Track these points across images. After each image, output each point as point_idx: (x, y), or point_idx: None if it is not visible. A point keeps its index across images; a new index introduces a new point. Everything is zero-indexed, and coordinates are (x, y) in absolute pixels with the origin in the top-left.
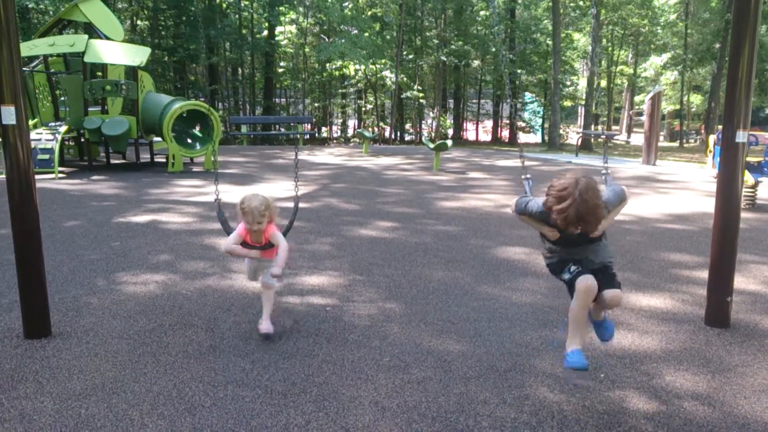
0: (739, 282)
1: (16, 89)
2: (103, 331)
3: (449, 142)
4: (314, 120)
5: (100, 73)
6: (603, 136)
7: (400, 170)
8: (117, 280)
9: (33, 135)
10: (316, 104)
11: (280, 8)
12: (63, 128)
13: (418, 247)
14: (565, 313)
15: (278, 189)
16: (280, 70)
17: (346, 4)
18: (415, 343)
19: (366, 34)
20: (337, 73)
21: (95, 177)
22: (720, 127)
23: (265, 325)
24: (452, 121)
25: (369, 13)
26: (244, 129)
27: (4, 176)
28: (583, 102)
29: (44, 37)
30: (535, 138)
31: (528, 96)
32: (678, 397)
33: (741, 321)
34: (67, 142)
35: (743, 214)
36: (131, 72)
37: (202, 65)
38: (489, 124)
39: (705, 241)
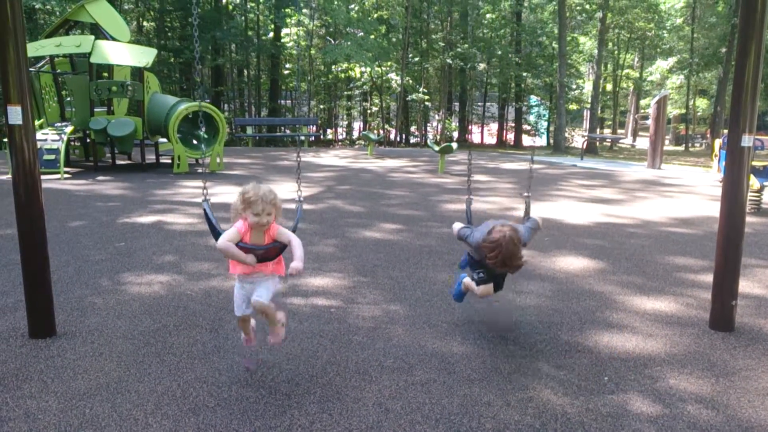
0: (744, 286)
1: (23, 89)
2: (107, 331)
3: (454, 145)
4: (319, 122)
5: (106, 74)
6: (608, 140)
7: (405, 173)
8: (122, 280)
9: (39, 135)
10: (322, 106)
11: (286, 10)
12: (69, 129)
13: (422, 250)
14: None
15: (283, 191)
16: (286, 72)
17: (353, 6)
18: (419, 344)
19: (372, 37)
20: (342, 75)
21: (101, 177)
22: (726, 131)
23: (273, 338)
24: (457, 124)
25: (375, 15)
26: (249, 131)
27: (10, 176)
28: (588, 105)
29: (51, 37)
30: (541, 141)
31: (533, 99)
32: (682, 400)
33: (745, 325)
34: (72, 143)
35: (748, 219)
36: (137, 73)
37: (208, 67)
38: (494, 127)
39: (710, 244)
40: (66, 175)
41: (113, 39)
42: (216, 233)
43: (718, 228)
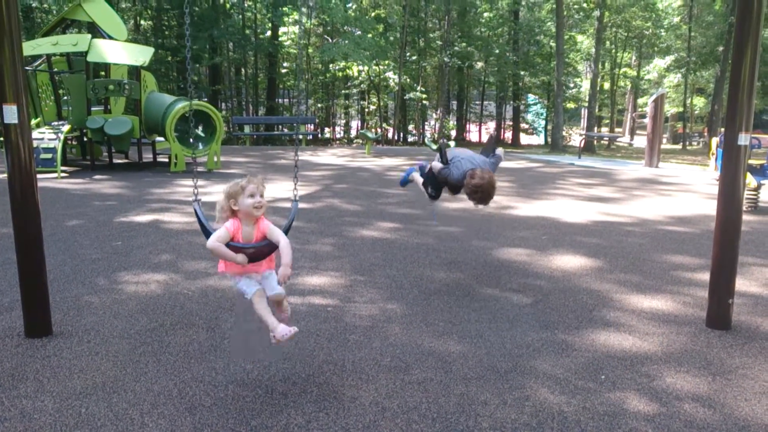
0: (741, 284)
1: (18, 88)
2: (104, 331)
3: (452, 144)
4: (317, 121)
5: (103, 73)
6: (606, 139)
7: (403, 171)
8: (118, 279)
9: (36, 134)
10: (320, 105)
11: (284, 8)
12: (66, 128)
13: (419, 248)
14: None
15: (280, 189)
16: (284, 71)
17: (350, 5)
18: (416, 343)
19: (369, 35)
20: (340, 74)
21: (98, 176)
22: (723, 129)
23: (281, 330)
24: (455, 123)
25: (372, 14)
26: (246, 129)
27: (5, 175)
28: (586, 104)
29: (47, 36)
30: (538, 140)
31: (531, 98)
32: (678, 399)
33: (742, 323)
34: (69, 142)
35: (745, 217)
36: (134, 72)
37: (205, 65)
38: (492, 125)
39: (707, 243)
40: (63, 174)
41: (110, 37)
42: (207, 233)
43: (714, 226)
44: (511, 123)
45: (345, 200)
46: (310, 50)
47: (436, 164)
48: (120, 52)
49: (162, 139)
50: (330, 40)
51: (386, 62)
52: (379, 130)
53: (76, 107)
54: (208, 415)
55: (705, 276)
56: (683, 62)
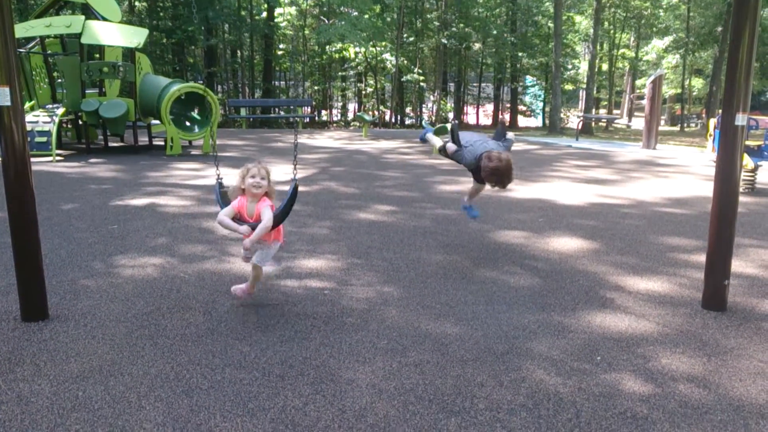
0: (737, 266)
1: (11, 70)
2: (100, 314)
3: (449, 126)
4: (314, 103)
5: (97, 55)
6: (604, 120)
7: (400, 154)
8: (115, 263)
9: (30, 117)
10: (316, 87)
11: None
12: (60, 111)
13: (416, 231)
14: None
15: (277, 172)
16: (280, 53)
17: None
18: (413, 326)
19: (366, 16)
20: (336, 55)
21: (93, 160)
22: (721, 111)
23: (241, 289)
24: (453, 105)
25: None
26: (243, 112)
27: None
28: (584, 86)
29: (40, 17)
30: (536, 122)
31: (529, 79)
32: (674, 379)
33: (738, 304)
34: (64, 125)
35: (743, 198)
36: (129, 54)
37: (201, 47)
38: (489, 107)
39: (703, 225)
40: (58, 158)
41: (104, 19)
42: (219, 203)
43: (711, 208)
44: (509, 105)
45: (342, 183)
46: (306, 32)
47: (451, 146)
48: (114, 34)
49: (157, 122)
50: (326, 21)
51: (383, 44)
52: (376, 112)
53: (70, 90)
54: (205, 398)
55: (701, 257)
56: (682, 43)
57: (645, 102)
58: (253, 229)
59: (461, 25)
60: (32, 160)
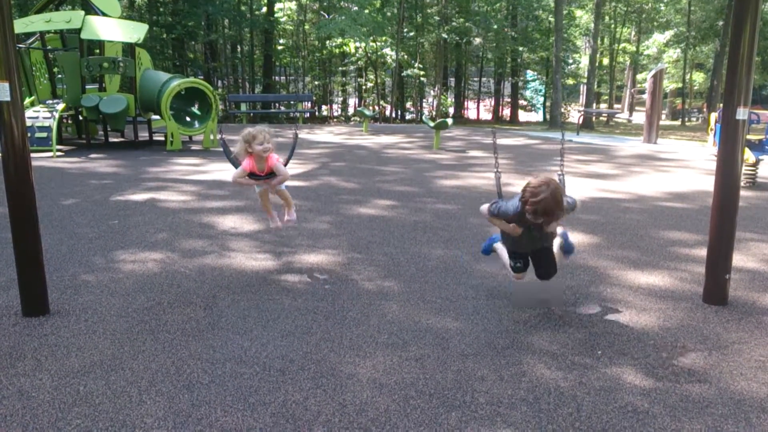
0: (738, 260)
1: (10, 65)
2: (101, 309)
3: (450, 121)
4: (314, 98)
5: (97, 51)
6: (604, 115)
7: (400, 149)
8: (115, 258)
9: (30, 113)
10: (317, 82)
11: None
12: (60, 106)
13: (417, 226)
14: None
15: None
16: (280, 48)
17: None
18: (414, 320)
19: (366, 11)
20: (337, 50)
21: (93, 155)
22: (722, 105)
23: (287, 216)
24: (453, 100)
25: None
26: (243, 107)
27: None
28: (584, 80)
29: (40, 13)
30: (537, 116)
31: (530, 74)
32: (674, 373)
33: (739, 298)
34: (64, 120)
35: (743, 193)
36: (129, 49)
37: (201, 42)
38: (490, 102)
39: (704, 219)
40: (58, 153)
41: (104, 14)
42: (234, 165)
43: (712, 202)
44: (509, 100)
45: (342, 178)
46: (306, 26)
47: (484, 207)
48: (114, 29)
49: (158, 117)
50: (326, 16)
51: (383, 38)
52: (376, 107)
53: (70, 85)
54: (205, 393)
55: (702, 252)
56: (683, 37)
57: (646, 96)
58: (265, 180)
59: (461, 19)
60: (32, 155)
